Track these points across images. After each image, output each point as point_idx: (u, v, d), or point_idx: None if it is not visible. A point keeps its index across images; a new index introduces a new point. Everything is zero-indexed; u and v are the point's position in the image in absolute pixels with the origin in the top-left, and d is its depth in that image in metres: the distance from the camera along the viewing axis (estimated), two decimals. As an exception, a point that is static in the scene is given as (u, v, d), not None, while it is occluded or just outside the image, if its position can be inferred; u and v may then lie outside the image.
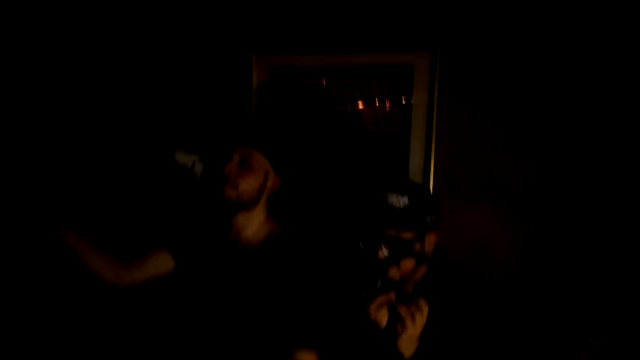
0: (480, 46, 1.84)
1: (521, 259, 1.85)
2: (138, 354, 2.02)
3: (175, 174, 2.09)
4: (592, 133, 1.74)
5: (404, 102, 1.98)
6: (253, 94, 2.13)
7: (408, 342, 1.21)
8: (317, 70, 2.07)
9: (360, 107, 2.05)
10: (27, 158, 2.16)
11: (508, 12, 1.79)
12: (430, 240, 1.38)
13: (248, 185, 1.43)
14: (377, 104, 2.03)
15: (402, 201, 1.34)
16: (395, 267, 1.32)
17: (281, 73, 2.12)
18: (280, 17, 2.07)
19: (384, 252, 1.32)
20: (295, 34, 2.06)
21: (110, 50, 2.22)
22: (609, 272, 1.74)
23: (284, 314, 1.39)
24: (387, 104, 2.01)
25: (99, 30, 2.21)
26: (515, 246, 1.85)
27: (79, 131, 2.23)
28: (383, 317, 1.24)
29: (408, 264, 1.33)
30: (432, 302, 1.26)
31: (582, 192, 1.77)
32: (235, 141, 1.48)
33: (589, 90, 1.74)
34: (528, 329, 1.76)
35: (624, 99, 1.69)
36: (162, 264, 1.57)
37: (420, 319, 1.19)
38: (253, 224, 1.49)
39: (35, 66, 2.20)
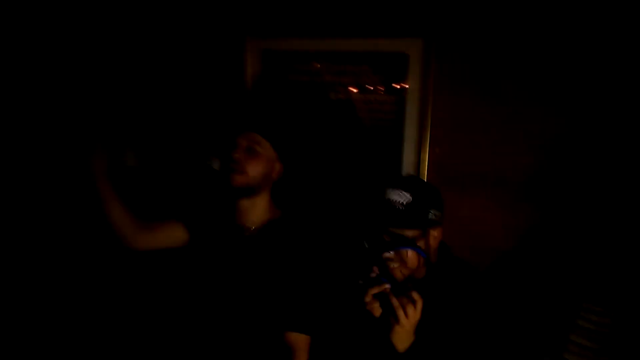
0: (476, 34, 1.82)
1: (516, 246, 1.85)
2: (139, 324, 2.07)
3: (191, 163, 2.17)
4: (585, 124, 1.75)
5: (397, 90, 1.96)
6: (246, 79, 2.09)
7: (402, 336, 1.19)
8: (311, 54, 2.03)
9: (354, 93, 2.01)
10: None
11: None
12: (434, 237, 1.35)
13: (255, 171, 1.48)
14: (371, 91, 2.00)
15: (403, 198, 1.29)
16: (398, 264, 1.29)
17: (274, 57, 2.07)
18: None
19: (387, 253, 1.29)
20: (289, 16, 2.02)
21: (104, 38, 2.16)
22: (604, 258, 1.74)
23: (280, 296, 1.43)
24: (381, 91, 1.98)
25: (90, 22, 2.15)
26: (510, 234, 1.86)
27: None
28: (376, 308, 1.22)
29: (411, 261, 1.29)
30: (433, 298, 1.25)
31: (576, 181, 1.78)
32: (240, 128, 1.52)
33: (582, 83, 1.74)
34: (524, 322, 1.75)
35: (619, 94, 1.69)
36: (176, 234, 1.63)
37: (413, 312, 1.17)
38: (257, 209, 1.54)
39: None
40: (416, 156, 1.94)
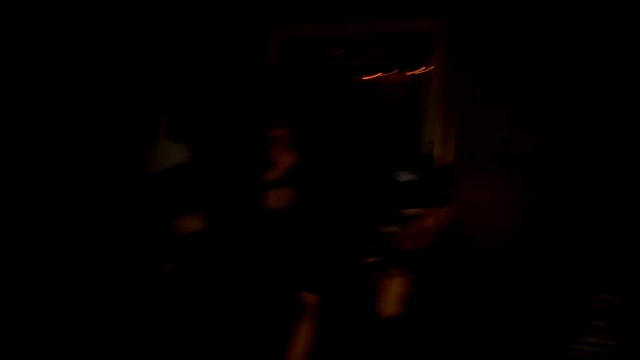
0: (497, 15, 1.79)
1: (528, 225, 1.85)
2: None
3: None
4: (601, 105, 1.72)
5: (418, 70, 1.96)
6: (268, 66, 2.14)
7: (388, 303, 1.28)
8: (331, 39, 2.06)
9: (376, 76, 2.03)
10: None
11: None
12: (441, 216, 1.36)
13: (287, 162, 1.63)
14: (392, 72, 2.00)
15: (411, 177, 1.33)
16: (399, 237, 1.32)
17: (295, 43, 2.11)
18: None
19: (390, 229, 1.33)
20: (310, 3, 2.04)
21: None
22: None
23: (298, 264, 1.58)
24: (402, 72, 1.99)
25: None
26: (522, 213, 1.85)
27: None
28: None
29: (411, 236, 1.33)
30: (432, 272, 1.31)
31: (590, 158, 1.76)
32: (269, 121, 1.64)
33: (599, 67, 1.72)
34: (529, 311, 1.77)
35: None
36: (196, 223, 1.75)
37: (401, 283, 1.28)
38: (279, 195, 1.66)
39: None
40: (434, 136, 1.95)
